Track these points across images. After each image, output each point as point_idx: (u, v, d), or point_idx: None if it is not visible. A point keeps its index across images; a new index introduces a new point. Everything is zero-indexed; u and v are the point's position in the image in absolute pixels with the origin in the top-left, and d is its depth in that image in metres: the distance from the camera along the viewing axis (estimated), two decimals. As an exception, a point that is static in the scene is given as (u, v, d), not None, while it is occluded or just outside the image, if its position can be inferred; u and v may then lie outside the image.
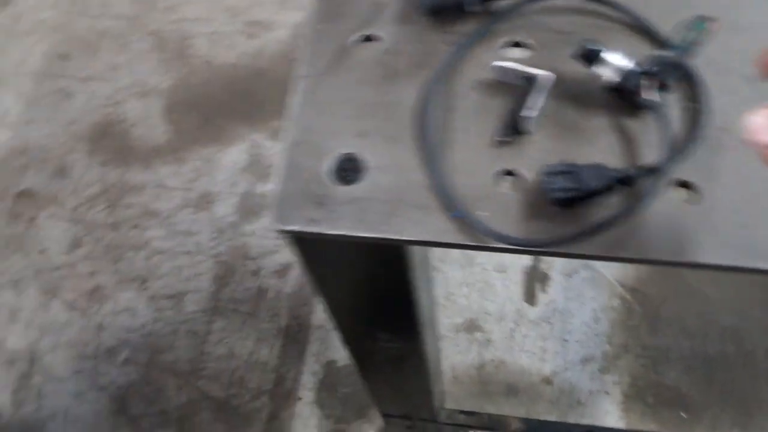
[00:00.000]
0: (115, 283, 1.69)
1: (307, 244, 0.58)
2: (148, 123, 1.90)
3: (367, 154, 0.57)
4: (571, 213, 0.53)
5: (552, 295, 1.67)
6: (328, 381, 1.58)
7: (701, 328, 1.61)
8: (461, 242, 0.53)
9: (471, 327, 1.64)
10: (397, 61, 0.60)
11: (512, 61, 0.58)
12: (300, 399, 1.57)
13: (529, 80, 0.56)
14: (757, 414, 1.51)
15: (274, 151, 1.85)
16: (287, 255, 1.71)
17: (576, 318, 1.65)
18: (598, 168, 0.53)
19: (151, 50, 2.00)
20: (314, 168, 0.56)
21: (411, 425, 1.21)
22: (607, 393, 1.57)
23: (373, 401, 1.08)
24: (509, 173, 0.56)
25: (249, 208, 1.78)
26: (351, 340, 0.77)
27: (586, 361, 1.61)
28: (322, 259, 0.60)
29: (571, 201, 0.53)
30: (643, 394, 1.56)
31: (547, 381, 1.58)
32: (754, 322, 1.62)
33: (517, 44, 0.60)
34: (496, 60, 0.58)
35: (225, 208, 1.77)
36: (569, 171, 0.53)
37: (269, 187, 1.80)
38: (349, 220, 0.54)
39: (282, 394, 1.57)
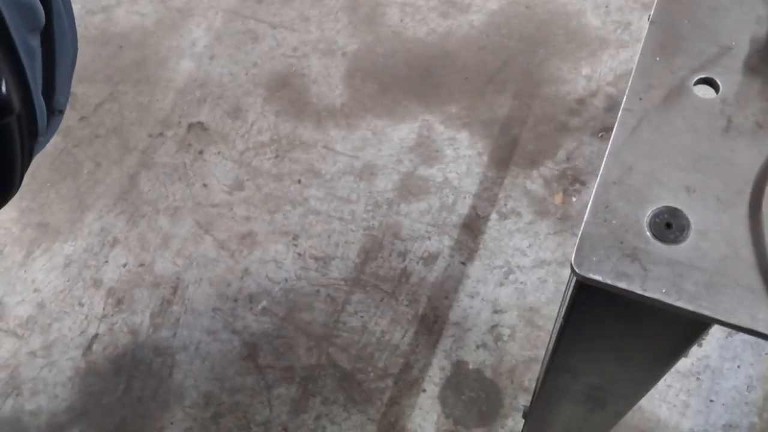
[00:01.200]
0: (268, 232, 1.72)
1: (593, 294, 0.53)
2: (328, 83, 1.90)
3: (693, 213, 0.51)
4: None
5: (707, 350, 1.57)
6: (455, 380, 1.56)
7: None
8: (792, 338, 0.47)
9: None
10: (739, 115, 0.54)
11: None
12: (424, 391, 1.55)
13: None
14: None
15: (445, 136, 1.82)
16: (437, 244, 1.69)
17: (728, 381, 1.54)
18: None
19: (344, 10, 2.00)
20: (630, 215, 0.51)
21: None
22: (744, 467, 1.46)
23: (529, 426, 1.04)
24: None
25: (408, 188, 1.75)
26: (558, 380, 0.73)
27: (729, 427, 1.50)
28: (599, 311, 0.55)
29: None
30: (782, 478, 1.45)
31: (683, 438, 1.50)
32: None
33: None
34: None
35: (385, 183, 1.76)
36: None
37: (432, 172, 1.77)
38: (664, 284, 0.49)
39: (407, 381, 1.56)
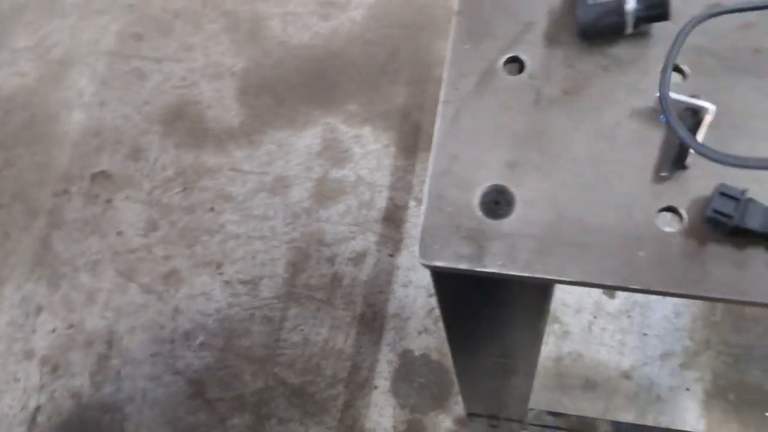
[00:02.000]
0: (191, 267, 1.71)
1: (448, 278, 0.56)
2: (222, 105, 1.90)
3: (517, 186, 0.54)
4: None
5: (632, 289, 1.64)
6: (404, 370, 1.59)
7: (788, 327, 1.55)
8: (623, 285, 0.51)
9: (549, 319, 1.61)
10: (547, 87, 0.57)
11: (672, 90, 0.54)
12: (376, 388, 1.57)
13: (693, 111, 0.53)
14: None
15: (349, 135, 1.83)
16: (363, 242, 1.71)
17: (656, 312, 1.61)
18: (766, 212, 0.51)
19: (225, 31, 1.99)
20: (462, 200, 0.54)
21: (496, 424, 1.20)
22: (687, 389, 1.53)
23: (464, 401, 1.07)
24: (670, 210, 0.53)
25: (324, 193, 1.77)
26: (464, 356, 0.76)
27: (666, 356, 1.57)
28: (461, 292, 0.58)
29: (721, 225, 0.51)
30: (724, 392, 1.52)
31: (626, 376, 1.56)
32: None
33: (675, 69, 0.56)
34: (653, 87, 0.55)
35: (300, 193, 1.77)
36: (738, 199, 0.50)
37: (344, 173, 1.79)
38: (500, 257, 0.52)
39: (357, 383, 1.58)
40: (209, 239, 1.74)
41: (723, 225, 0.51)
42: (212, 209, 1.78)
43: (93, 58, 2.01)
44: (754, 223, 0.51)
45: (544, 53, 0.58)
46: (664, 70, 0.53)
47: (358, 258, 1.70)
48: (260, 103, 1.89)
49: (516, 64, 0.59)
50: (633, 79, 0.57)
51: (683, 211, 0.52)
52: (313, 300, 1.66)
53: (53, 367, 1.63)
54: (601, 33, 0.57)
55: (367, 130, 1.85)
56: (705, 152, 0.50)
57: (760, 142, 0.53)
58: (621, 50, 0.58)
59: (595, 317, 1.62)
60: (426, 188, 0.55)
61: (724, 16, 0.56)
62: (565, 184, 0.54)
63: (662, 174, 0.53)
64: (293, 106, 1.88)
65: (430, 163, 0.56)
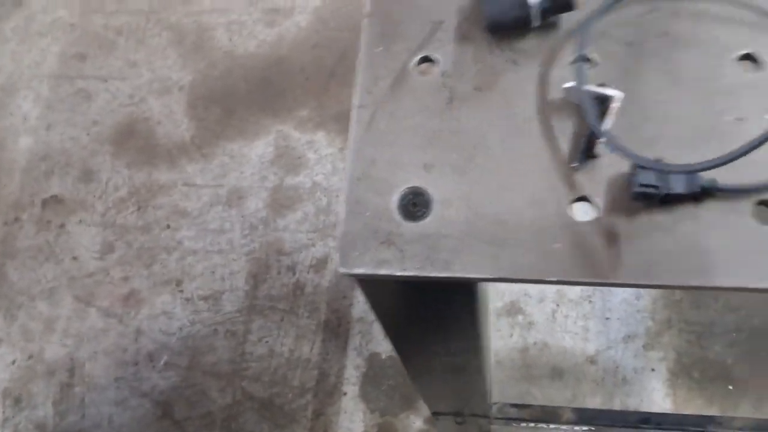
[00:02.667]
0: (150, 286, 1.69)
1: (374, 285, 0.55)
2: (172, 120, 1.87)
3: (434, 187, 0.54)
4: (645, 247, 0.51)
5: (591, 274, 1.65)
6: (372, 374, 1.58)
7: (745, 301, 1.58)
8: (539, 278, 0.51)
9: (512, 310, 1.62)
10: (459, 84, 0.57)
11: (579, 80, 0.54)
12: (345, 394, 1.57)
13: (601, 99, 0.53)
14: (805, 384, 1.49)
15: (302, 141, 1.82)
16: (322, 249, 1.70)
17: (617, 295, 1.62)
18: (688, 174, 0.51)
19: (170, 45, 1.97)
20: (380, 204, 0.54)
21: (461, 421, 1.20)
22: (652, 370, 1.55)
23: (425, 401, 1.07)
24: (583, 199, 0.53)
25: (280, 202, 1.76)
26: (411, 358, 0.76)
27: (629, 338, 1.59)
28: (390, 296, 0.58)
29: (650, 197, 0.51)
30: (688, 369, 1.54)
31: (592, 361, 1.57)
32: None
33: (583, 59, 0.56)
34: (563, 78, 0.55)
35: (255, 203, 1.76)
36: (659, 169, 0.51)
37: (300, 180, 1.78)
38: (419, 259, 0.52)
39: (326, 391, 1.57)
40: (167, 257, 1.72)
41: (652, 197, 0.51)
42: (168, 226, 1.75)
43: (36, 81, 1.97)
44: (679, 187, 0.51)
45: (455, 51, 0.58)
46: (575, 62, 0.53)
47: (319, 264, 1.69)
48: (210, 116, 1.87)
49: (428, 63, 0.58)
50: (542, 72, 0.57)
51: (597, 200, 0.53)
52: (276, 310, 1.64)
53: (15, 399, 1.60)
54: (508, 27, 0.57)
55: (320, 135, 1.84)
56: (610, 142, 0.50)
57: (668, 124, 0.54)
58: (530, 43, 0.58)
59: (557, 305, 1.63)
60: (344, 194, 0.54)
61: (628, 2, 0.57)
62: (480, 182, 0.54)
63: (573, 165, 0.53)
64: (244, 116, 1.87)
65: (347, 169, 0.55)
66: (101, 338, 1.65)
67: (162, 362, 1.61)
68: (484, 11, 0.57)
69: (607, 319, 1.61)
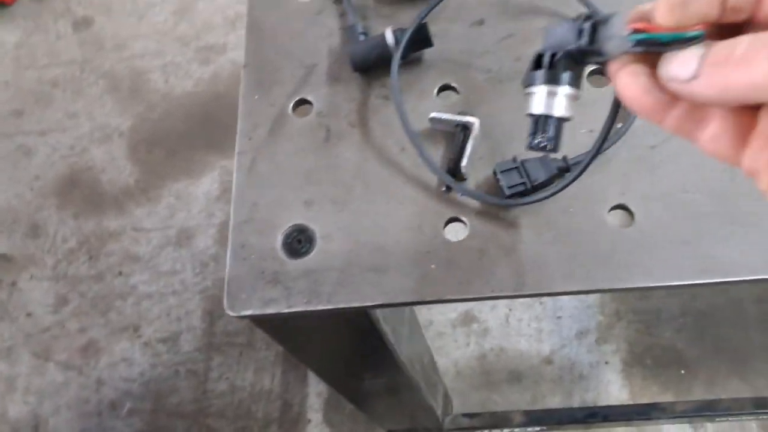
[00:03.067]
0: (108, 335, 1.69)
1: (270, 323, 0.58)
2: (115, 166, 1.88)
3: (316, 222, 0.57)
4: (515, 264, 0.54)
5: (539, 276, 1.69)
6: (334, 400, 1.59)
7: (689, 285, 1.62)
8: (420, 299, 0.53)
9: (467, 319, 1.65)
10: (334, 123, 0.60)
11: (445, 109, 0.58)
12: (309, 421, 1.58)
13: (462, 126, 0.57)
14: (752, 360, 1.54)
15: (244, 176, 1.84)
16: (273, 279, 1.71)
17: (566, 294, 1.66)
18: (541, 161, 0.55)
19: (107, 92, 1.98)
20: (264, 245, 0.57)
21: (418, 436, 1.23)
22: (606, 363, 1.58)
23: (376, 422, 1.10)
24: (455, 220, 0.56)
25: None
26: (335, 383, 0.78)
27: (581, 335, 1.62)
28: (290, 330, 0.60)
29: (522, 193, 0.55)
30: (641, 358, 1.58)
31: (548, 361, 1.60)
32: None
33: (448, 88, 0.60)
34: (430, 108, 0.58)
35: (205, 241, 1.77)
36: (517, 167, 0.55)
37: (245, 214, 1.80)
38: (305, 295, 0.54)
39: (291, 420, 1.58)
40: (122, 303, 1.73)
41: (523, 192, 0.55)
42: (121, 273, 1.76)
43: (-24, 142, 1.97)
44: (540, 175, 0.55)
45: (329, 92, 0.61)
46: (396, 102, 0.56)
47: (273, 295, 1.70)
48: (153, 158, 1.89)
49: (305, 105, 0.61)
50: (411, 104, 0.60)
51: (468, 219, 0.56)
52: (234, 346, 1.66)
53: (-21, 463, 1.59)
54: (375, 66, 0.60)
55: (264, 167, 1.86)
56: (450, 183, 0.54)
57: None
58: (398, 78, 0.61)
59: (510, 309, 1.66)
60: (229, 240, 0.57)
61: (484, 31, 0.60)
62: (359, 213, 0.57)
63: (443, 189, 0.57)
64: (187, 155, 1.89)
65: (231, 214, 0.58)
66: (63, 392, 1.64)
67: (125, 410, 1.61)
68: (349, 53, 0.60)
69: (559, 318, 1.64)
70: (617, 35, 0.32)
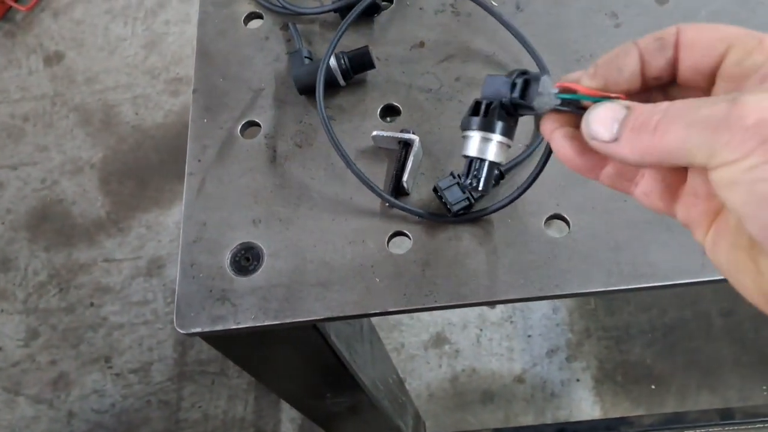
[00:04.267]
0: (78, 367, 1.68)
1: (220, 340, 0.59)
2: (87, 198, 1.89)
3: (264, 240, 0.58)
4: (448, 276, 0.56)
5: (509, 295, 1.71)
6: (308, 425, 1.59)
7: (656, 300, 1.65)
8: (364, 312, 0.55)
9: (438, 341, 1.66)
10: (281, 143, 0.62)
11: (388, 127, 0.60)
12: (283, 447, 1.58)
13: (403, 143, 0.59)
14: (720, 372, 1.56)
15: (215, 205, 1.85)
16: (245, 306, 1.72)
17: (535, 312, 1.68)
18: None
19: (78, 125, 1.99)
20: (213, 264, 0.58)
21: (388, 458, 1.23)
22: (578, 380, 1.60)
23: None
24: (399, 234, 0.58)
25: (200, 266, 1.77)
26: (298, 405, 0.79)
27: (552, 353, 1.64)
28: (246, 349, 0.61)
29: (468, 207, 0.57)
30: (612, 375, 1.60)
31: (519, 380, 1.61)
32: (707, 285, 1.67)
33: (390, 108, 0.62)
34: (374, 127, 0.60)
35: (176, 271, 1.77)
36: (457, 183, 0.57)
37: (216, 242, 1.80)
38: (252, 311, 0.56)
39: (264, 446, 1.58)
40: (93, 335, 1.72)
41: (468, 206, 0.57)
42: (92, 304, 1.75)
43: (-54, 177, 1.97)
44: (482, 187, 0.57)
45: (276, 114, 0.63)
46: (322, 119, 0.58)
47: (245, 322, 1.70)
48: (124, 190, 1.90)
49: (252, 128, 0.63)
50: (355, 124, 0.62)
51: (411, 232, 0.58)
52: (206, 374, 1.65)
53: (-53, 502, 1.56)
54: (315, 88, 0.62)
55: (235, 195, 1.87)
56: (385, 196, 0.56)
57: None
58: (342, 100, 0.64)
59: (481, 330, 1.67)
60: (178, 260, 0.58)
61: (425, 53, 0.63)
62: (305, 229, 0.59)
63: (387, 204, 0.58)
64: (157, 185, 1.90)
65: (181, 234, 0.59)
66: (33, 426, 1.63)
67: (96, 442, 1.60)
68: (293, 77, 0.62)
69: (530, 336, 1.66)
70: (546, 93, 0.35)
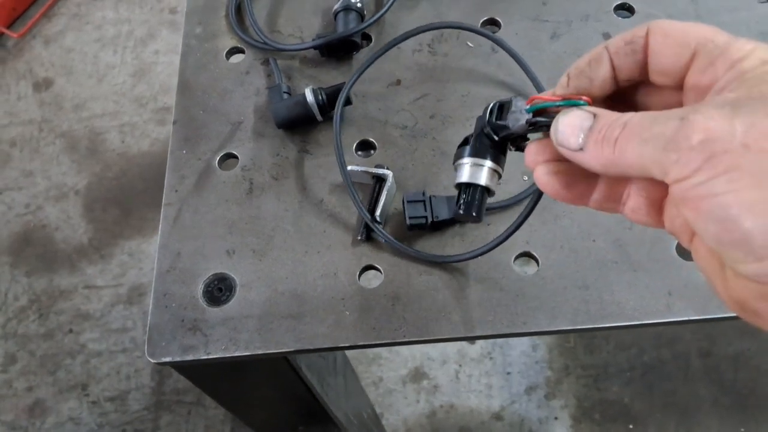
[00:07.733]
0: (55, 393, 1.66)
1: (192, 370, 0.59)
2: (70, 225, 1.89)
3: (237, 271, 0.59)
4: (421, 310, 0.57)
5: (489, 331, 1.71)
6: (283, 456, 1.58)
7: (635, 339, 1.66)
8: (334, 345, 0.56)
9: (417, 376, 1.66)
10: (258, 176, 0.63)
11: (363, 162, 0.61)
12: (257, 480, 1.55)
13: (377, 178, 0.60)
14: (698, 413, 1.57)
15: (198, 233, 1.85)
16: (225, 336, 1.71)
17: (515, 349, 1.68)
18: (448, 200, 0.58)
19: (64, 151, 2.00)
20: (186, 294, 0.58)
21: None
22: (556, 418, 1.60)
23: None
24: (370, 268, 0.59)
25: (181, 295, 1.77)
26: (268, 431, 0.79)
27: (531, 390, 1.64)
28: (214, 378, 0.62)
29: (422, 226, 0.58)
30: (590, 413, 1.60)
31: (497, 417, 1.61)
32: (684, 325, 1.68)
33: (366, 143, 0.64)
34: (350, 162, 0.62)
35: (157, 299, 1.76)
36: (422, 201, 0.58)
37: (198, 271, 1.80)
38: (223, 342, 0.56)
39: (239, 478, 1.56)
40: (71, 362, 1.70)
41: (422, 226, 0.58)
42: (71, 330, 1.74)
43: (-71, 199, 1.96)
44: (443, 213, 0.58)
45: (254, 146, 0.64)
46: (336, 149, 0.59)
47: (225, 352, 1.69)
48: (108, 217, 1.90)
49: (230, 160, 0.64)
50: (331, 158, 0.64)
51: (380, 267, 0.59)
52: (183, 404, 1.63)
53: None
54: (297, 123, 0.64)
55: (220, 225, 1.87)
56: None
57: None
58: (319, 134, 0.65)
59: (460, 365, 1.67)
60: (152, 289, 0.58)
61: (401, 91, 0.64)
62: (278, 261, 0.59)
63: (359, 238, 0.59)
64: (141, 213, 1.90)
65: (155, 264, 0.60)
66: (4, 455, 1.60)
67: (68, 472, 1.57)
68: (271, 111, 0.64)
69: (509, 373, 1.66)
70: (518, 110, 0.37)
